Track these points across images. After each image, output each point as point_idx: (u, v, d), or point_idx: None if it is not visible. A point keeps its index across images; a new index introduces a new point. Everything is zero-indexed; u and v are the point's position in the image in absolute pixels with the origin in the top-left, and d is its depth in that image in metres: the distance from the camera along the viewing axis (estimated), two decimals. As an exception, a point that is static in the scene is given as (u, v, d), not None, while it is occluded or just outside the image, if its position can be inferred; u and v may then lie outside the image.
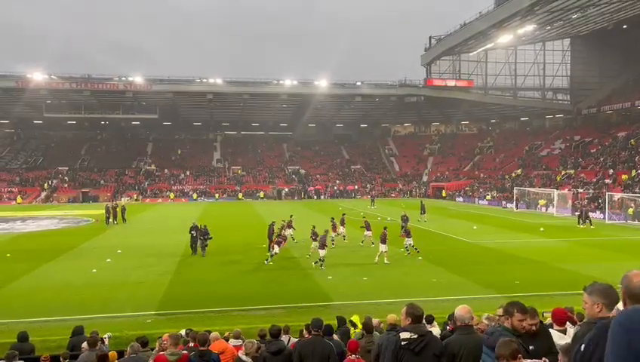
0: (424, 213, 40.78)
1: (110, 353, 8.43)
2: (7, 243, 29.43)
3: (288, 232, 28.05)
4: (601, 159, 57.90)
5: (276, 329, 7.69)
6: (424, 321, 6.04)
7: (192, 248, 25.13)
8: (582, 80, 73.84)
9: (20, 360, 7.64)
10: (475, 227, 34.38)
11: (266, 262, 22.35)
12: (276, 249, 22.71)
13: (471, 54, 74.25)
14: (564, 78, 76.58)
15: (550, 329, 5.84)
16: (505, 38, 63.25)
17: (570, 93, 76.37)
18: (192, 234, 25.15)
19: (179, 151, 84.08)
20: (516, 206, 51.17)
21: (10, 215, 48.24)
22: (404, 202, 49.91)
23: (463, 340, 5.05)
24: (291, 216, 30.28)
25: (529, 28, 59.29)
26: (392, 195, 74.33)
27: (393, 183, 79.83)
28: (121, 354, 8.82)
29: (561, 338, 5.40)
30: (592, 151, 62.06)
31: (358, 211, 47.92)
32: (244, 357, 7.08)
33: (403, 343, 4.95)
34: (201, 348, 7.62)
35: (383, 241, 22.74)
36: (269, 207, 55.08)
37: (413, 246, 24.37)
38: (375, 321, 9.60)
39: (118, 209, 40.97)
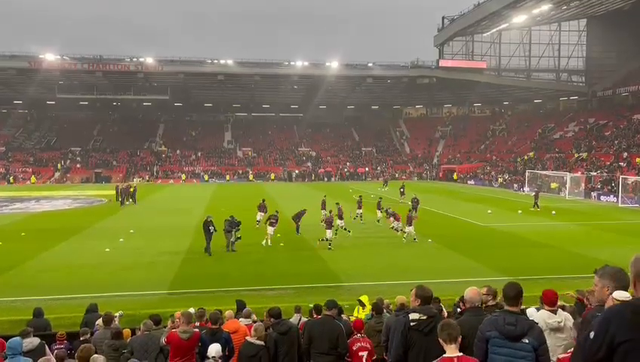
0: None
1: (124, 330, 8.59)
2: (22, 223, 29.86)
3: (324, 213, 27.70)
4: (616, 142, 57.17)
5: (277, 311, 7.76)
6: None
7: (206, 249, 20.70)
8: (597, 61, 72.59)
9: (35, 335, 7.78)
10: (489, 211, 34.25)
11: (263, 243, 22.39)
12: (270, 230, 22.40)
13: (484, 35, 73.18)
14: (579, 59, 75.37)
15: (541, 310, 5.99)
16: (519, 19, 62.20)
17: (586, 75, 75.20)
18: (210, 231, 20.75)
19: (192, 133, 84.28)
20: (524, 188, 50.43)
21: (25, 195, 48.89)
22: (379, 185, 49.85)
23: (473, 322, 5.07)
24: (324, 196, 31.35)
25: (544, 8, 58.17)
26: (403, 177, 74.17)
27: (404, 165, 79.56)
28: (134, 331, 8.98)
29: (550, 318, 5.51)
30: (606, 134, 61.26)
31: (369, 193, 47.91)
32: (251, 340, 7.14)
33: (412, 324, 4.99)
34: (213, 327, 7.73)
35: (409, 223, 23.52)
36: (279, 188, 55.23)
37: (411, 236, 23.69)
38: (384, 302, 9.65)
39: (130, 190, 41.29)
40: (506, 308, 4.68)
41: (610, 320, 2.90)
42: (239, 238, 21.83)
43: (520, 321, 4.46)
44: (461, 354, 4.27)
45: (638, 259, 3.02)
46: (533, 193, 38.56)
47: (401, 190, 42.14)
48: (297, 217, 25.46)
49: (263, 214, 27.68)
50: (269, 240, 22.44)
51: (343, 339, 7.10)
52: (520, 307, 4.70)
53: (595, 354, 2.89)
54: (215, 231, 20.90)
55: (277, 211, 24.36)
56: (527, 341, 4.38)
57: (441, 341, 4.30)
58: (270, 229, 22.54)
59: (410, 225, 23.69)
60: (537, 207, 35.89)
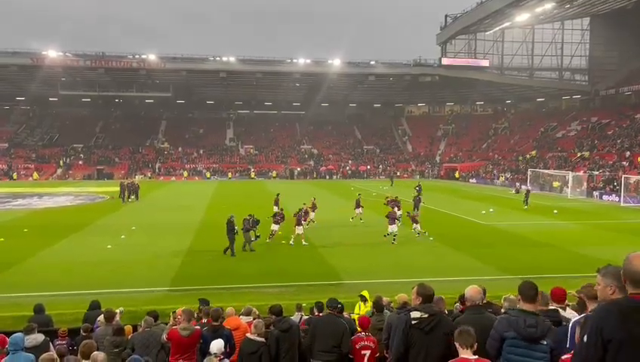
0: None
1: (125, 327, 8.61)
2: (25, 219, 29.93)
3: (311, 215, 27.87)
4: (618, 141, 57.05)
5: (278, 308, 7.79)
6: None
7: (229, 250, 20.02)
8: (600, 60, 72.38)
9: (37, 332, 7.81)
10: (491, 210, 34.20)
11: (268, 239, 22.52)
12: (299, 229, 22.39)
13: (487, 33, 73.01)
14: (582, 58, 75.18)
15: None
16: (522, 17, 62.01)
17: (589, 74, 74.97)
18: (235, 231, 20.17)
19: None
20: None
21: (27, 191, 48.96)
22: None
23: (473, 320, 5.07)
24: (359, 195, 30.91)
25: (547, 6, 57.95)
26: (405, 175, 74.16)
27: (406, 164, 79.50)
28: (135, 328, 9.00)
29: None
30: (608, 133, 61.15)
31: (371, 191, 47.92)
32: (252, 337, 7.15)
33: (413, 322, 4.99)
34: (214, 324, 7.74)
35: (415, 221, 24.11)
36: (281, 186, 55.21)
37: (421, 232, 24.30)
38: (385, 300, 9.65)
39: (135, 185, 41.35)
40: (522, 306, 4.66)
41: (600, 320, 2.91)
42: (258, 237, 21.86)
43: (540, 323, 4.46)
44: (476, 356, 4.41)
45: (627, 259, 3.06)
46: (524, 192, 38.39)
47: (417, 189, 38.82)
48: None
49: (278, 209, 27.84)
50: (302, 239, 22.35)
51: (346, 338, 7.10)
52: (537, 304, 4.69)
53: (592, 357, 2.90)
54: (237, 231, 20.28)
55: (282, 209, 24.55)
56: (545, 342, 4.39)
57: (457, 345, 4.49)
58: (299, 228, 22.36)
59: (416, 223, 24.07)
60: (526, 204, 35.83)
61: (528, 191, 38.12)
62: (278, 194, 30.18)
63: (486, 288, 7.03)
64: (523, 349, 4.40)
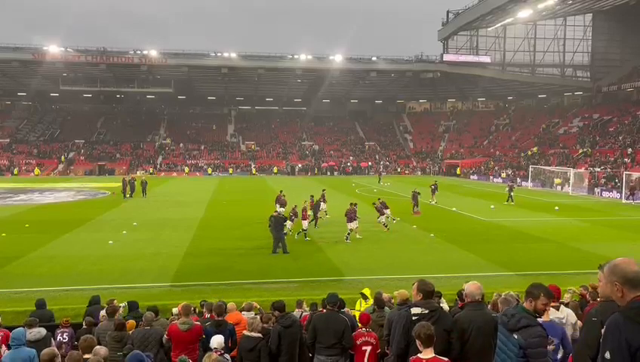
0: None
1: (128, 322, 8.62)
2: (26, 214, 29.97)
3: (322, 206, 27.81)
4: (620, 138, 56.95)
5: (282, 304, 7.80)
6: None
7: (283, 248, 19.83)
8: (603, 56, 72.19)
9: (39, 326, 7.84)
10: (492, 207, 34.18)
11: (296, 236, 22.66)
12: (353, 224, 22.43)
13: (489, 29, 72.87)
14: (584, 54, 74.95)
15: None
16: (524, 13, 61.88)
17: (591, 70, 74.77)
18: (283, 227, 20.57)
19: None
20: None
21: (29, 186, 49.03)
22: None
23: (473, 316, 5.08)
24: (323, 190, 30.73)
25: (550, 2, 57.84)
26: (406, 172, 74.14)
27: (407, 160, 79.46)
28: (137, 323, 9.01)
29: (552, 314, 5.60)
30: (610, 129, 61.04)
31: (372, 188, 47.91)
32: (248, 334, 7.16)
33: (414, 318, 5.00)
34: (218, 319, 7.76)
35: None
36: (282, 182, 55.21)
37: (391, 219, 25.22)
38: (385, 296, 9.66)
39: (136, 182, 41.23)
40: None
41: (621, 333, 2.82)
42: (285, 234, 21.66)
43: (517, 316, 4.42)
44: (433, 356, 4.58)
45: (613, 266, 3.02)
46: (507, 187, 38.40)
47: (432, 187, 36.37)
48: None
49: (325, 205, 28.03)
50: (351, 235, 22.42)
51: (348, 333, 7.11)
52: (533, 304, 4.55)
53: None
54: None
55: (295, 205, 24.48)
56: (516, 336, 4.34)
57: (418, 342, 4.60)
58: (352, 224, 22.40)
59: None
60: (512, 200, 36.02)
61: (511, 187, 37.97)
62: (324, 190, 30.04)
63: (489, 284, 7.04)
64: (504, 338, 4.47)
